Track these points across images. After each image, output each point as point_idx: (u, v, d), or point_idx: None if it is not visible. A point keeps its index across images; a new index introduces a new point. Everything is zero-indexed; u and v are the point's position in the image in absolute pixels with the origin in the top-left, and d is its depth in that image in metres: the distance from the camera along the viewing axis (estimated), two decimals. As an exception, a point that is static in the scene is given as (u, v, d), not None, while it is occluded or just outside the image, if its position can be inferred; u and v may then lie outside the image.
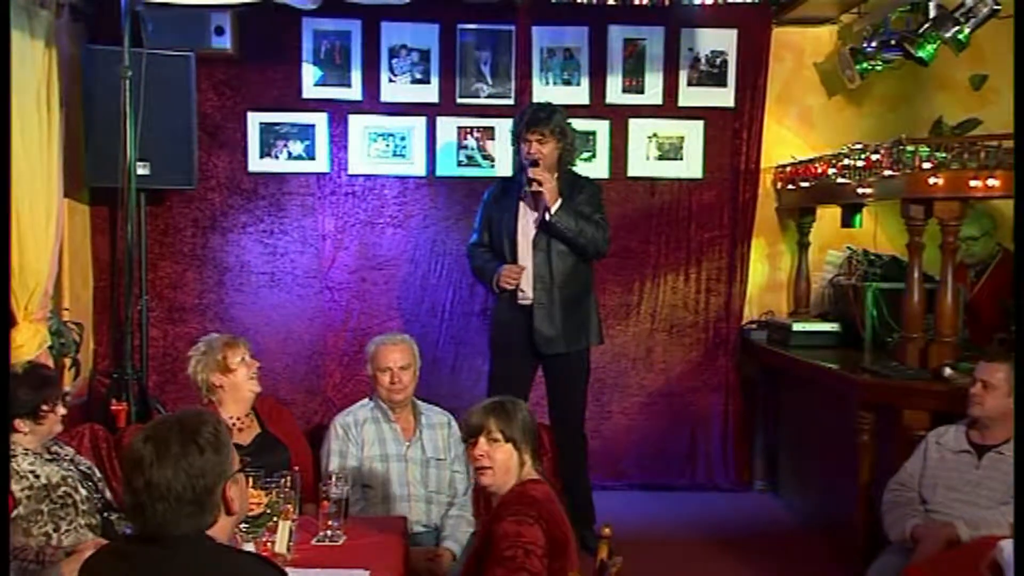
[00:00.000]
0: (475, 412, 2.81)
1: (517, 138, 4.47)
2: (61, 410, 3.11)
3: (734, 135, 5.50)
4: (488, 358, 4.77)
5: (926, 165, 4.02)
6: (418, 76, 5.37)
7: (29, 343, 4.09)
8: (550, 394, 4.62)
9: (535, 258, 4.44)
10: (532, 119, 4.40)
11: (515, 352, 4.52)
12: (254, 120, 5.31)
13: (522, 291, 4.47)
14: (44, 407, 3.06)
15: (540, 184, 4.33)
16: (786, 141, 5.60)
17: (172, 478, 1.91)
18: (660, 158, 5.50)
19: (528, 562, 2.51)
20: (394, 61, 5.35)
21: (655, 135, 5.49)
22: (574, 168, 4.57)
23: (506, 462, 2.73)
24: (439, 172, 5.42)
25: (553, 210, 4.35)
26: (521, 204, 4.50)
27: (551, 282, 4.43)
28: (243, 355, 3.54)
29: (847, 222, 5.09)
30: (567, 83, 5.42)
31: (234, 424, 3.50)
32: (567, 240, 4.40)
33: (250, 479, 2.77)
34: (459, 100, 5.39)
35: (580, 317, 4.52)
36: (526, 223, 4.49)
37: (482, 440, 2.75)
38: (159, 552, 1.93)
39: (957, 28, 4.69)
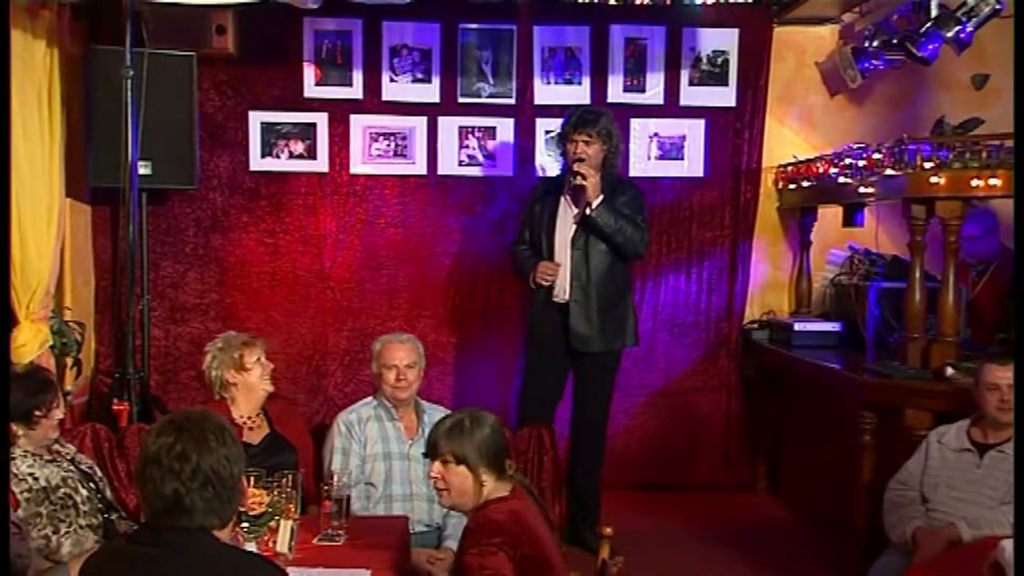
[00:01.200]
0: (433, 430, 2.76)
1: (564, 138, 4.51)
2: (58, 414, 3.07)
3: (735, 134, 5.49)
4: (521, 353, 4.84)
5: (928, 165, 4.02)
6: (419, 76, 5.36)
7: (31, 343, 4.10)
8: (576, 390, 4.64)
9: (572, 256, 4.47)
10: (580, 120, 4.45)
11: (549, 348, 4.56)
12: (255, 120, 5.30)
13: (558, 288, 4.49)
14: (37, 412, 3.00)
15: (584, 178, 4.36)
16: (787, 140, 5.59)
17: (216, 464, 1.95)
18: (661, 157, 5.50)
19: None
20: (395, 60, 5.35)
21: (656, 134, 5.49)
22: (616, 172, 4.60)
23: (460, 484, 2.67)
24: (440, 172, 5.41)
25: (594, 204, 4.38)
26: (562, 202, 4.54)
27: (588, 280, 4.45)
28: (259, 355, 3.59)
29: (849, 221, 5.09)
30: (568, 82, 5.42)
31: (244, 423, 3.52)
32: (606, 237, 4.42)
33: (251, 478, 2.78)
34: (460, 100, 5.38)
35: (618, 317, 4.54)
36: (565, 220, 4.51)
37: (437, 463, 2.70)
38: (160, 551, 1.94)
39: (959, 27, 4.68)
